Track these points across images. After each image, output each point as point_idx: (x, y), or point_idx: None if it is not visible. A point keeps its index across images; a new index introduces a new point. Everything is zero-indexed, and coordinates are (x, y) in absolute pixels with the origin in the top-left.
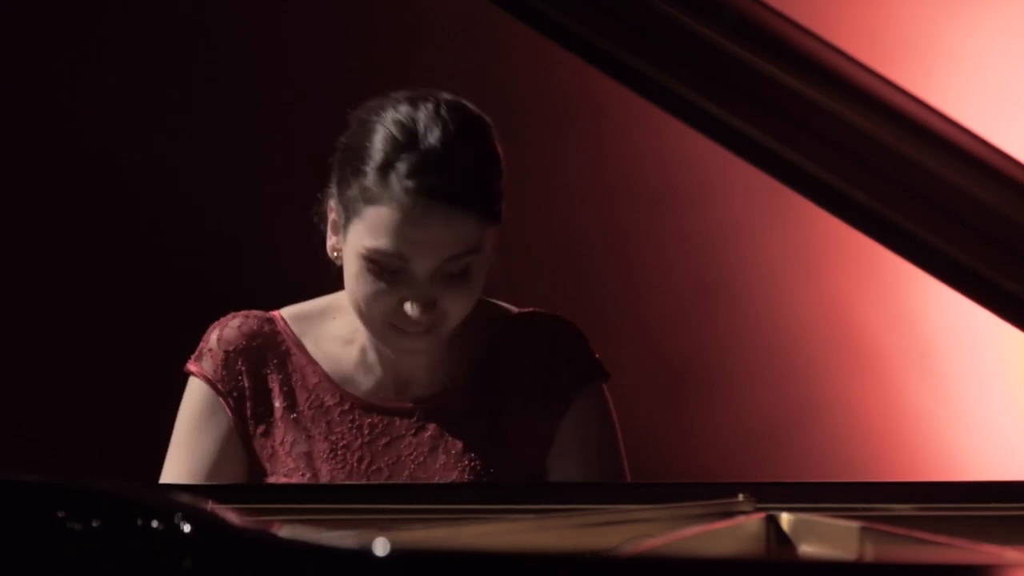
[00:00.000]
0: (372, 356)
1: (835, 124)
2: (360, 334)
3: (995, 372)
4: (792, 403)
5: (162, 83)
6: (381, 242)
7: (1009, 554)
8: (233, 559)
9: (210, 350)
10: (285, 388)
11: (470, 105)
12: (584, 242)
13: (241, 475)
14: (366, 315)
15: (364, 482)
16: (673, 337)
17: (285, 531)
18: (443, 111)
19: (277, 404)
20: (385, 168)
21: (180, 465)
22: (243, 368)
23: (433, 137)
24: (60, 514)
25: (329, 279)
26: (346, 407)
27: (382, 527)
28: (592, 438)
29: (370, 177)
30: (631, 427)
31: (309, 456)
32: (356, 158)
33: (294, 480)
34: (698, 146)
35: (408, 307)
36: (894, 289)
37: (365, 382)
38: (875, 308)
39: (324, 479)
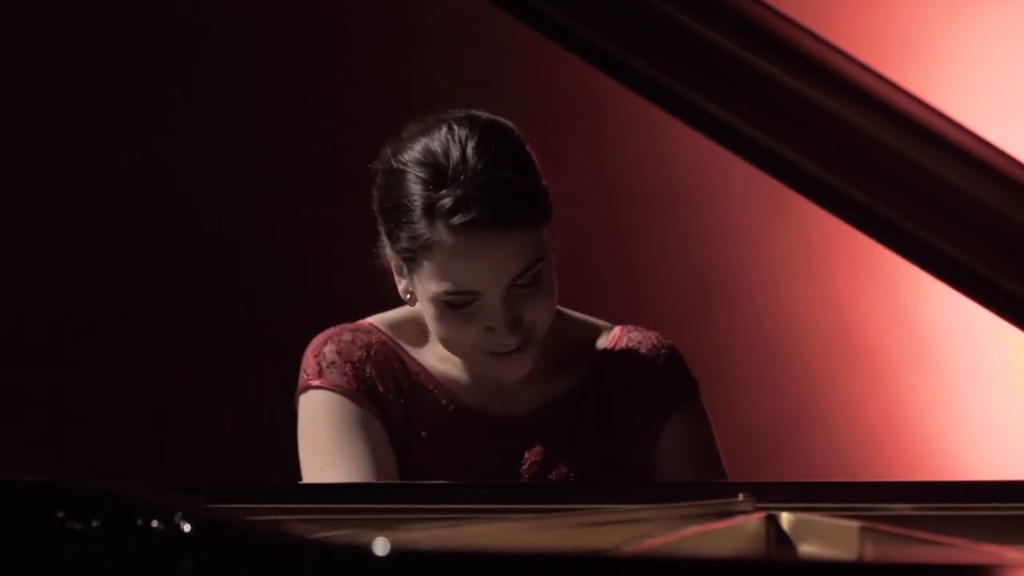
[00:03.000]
0: (472, 371)
1: (835, 124)
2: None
3: (995, 372)
4: (792, 403)
5: (162, 83)
6: (447, 285)
7: (1009, 554)
8: (233, 559)
9: (332, 363)
10: (407, 395)
11: (482, 115)
12: (584, 242)
13: (396, 470)
14: (459, 351)
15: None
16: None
17: (285, 531)
18: (459, 134)
19: (404, 410)
20: (428, 214)
21: (347, 474)
22: (373, 374)
23: (459, 167)
24: (60, 514)
25: (332, 281)
26: (464, 418)
27: (382, 527)
28: (689, 452)
29: (417, 226)
30: None
31: (437, 465)
32: (397, 210)
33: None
34: (698, 146)
35: (495, 335)
36: (894, 289)
37: (472, 394)
38: (875, 308)
39: None
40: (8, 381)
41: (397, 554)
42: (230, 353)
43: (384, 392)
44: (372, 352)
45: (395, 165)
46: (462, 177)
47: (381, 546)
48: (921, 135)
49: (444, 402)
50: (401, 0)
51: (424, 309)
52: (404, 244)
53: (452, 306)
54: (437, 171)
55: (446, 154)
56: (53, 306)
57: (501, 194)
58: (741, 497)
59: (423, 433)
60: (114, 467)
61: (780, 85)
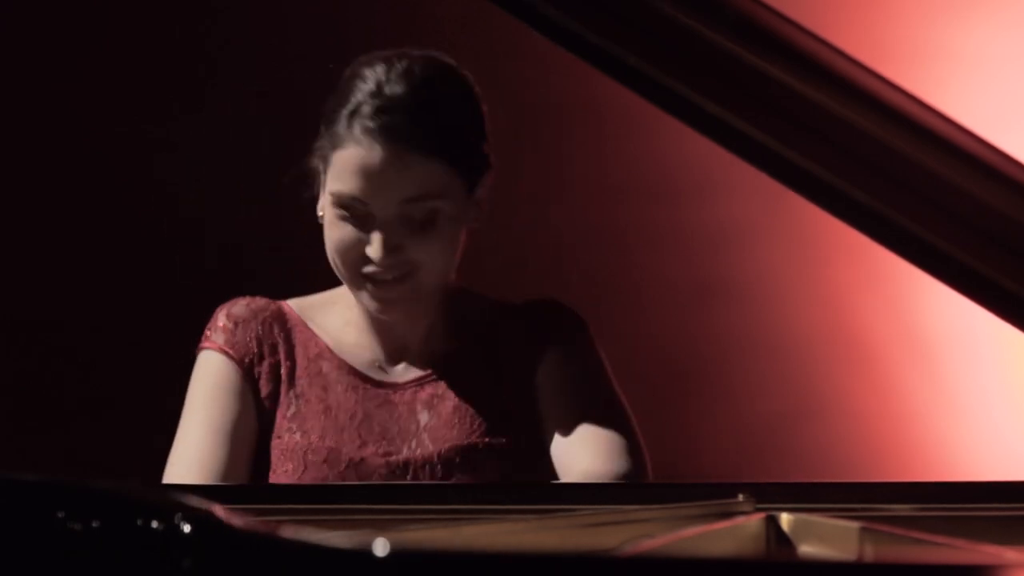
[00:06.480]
0: (368, 330)
1: (835, 124)
2: (356, 314)
3: (995, 372)
4: (792, 403)
5: (162, 84)
6: (344, 185)
7: (1009, 554)
8: (233, 559)
9: (220, 326)
10: (288, 360)
11: (448, 60)
12: (584, 242)
13: (254, 439)
14: (340, 266)
15: (356, 439)
16: (673, 337)
17: (285, 531)
18: (416, 66)
19: (281, 372)
20: (352, 114)
21: (197, 428)
22: (252, 337)
23: (399, 85)
24: (60, 514)
25: (333, 283)
26: (343, 372)
27: (382, 527)
28: (570, 375)
29: (339, 123)
30: None
31: (301, 416)
32: (331, 109)
33: (285, 440)
34: (698, 146)
35: (370, 248)
36: (894, 289)
37: (363, 356)
38: (875, 308)
39: (314, 437)
40: (10, 381)
41: (397, 554)
42: None
43: (258, 353)
44: (261, 317)
45: (350, 73)
46: (393, 91)
47: (381, 546)
48: (921, 135)
49: (327, 363)
50: (401, 0)
51: (325, 220)
52: (324, 141)
53: (344, 211)
54: (379, 83)
55: (396, 76)
56: (54, 306)
57: (422, 120)
58: (741, 498)
59: (304, 389)
60: (114, 467)
61: (780, 85)
